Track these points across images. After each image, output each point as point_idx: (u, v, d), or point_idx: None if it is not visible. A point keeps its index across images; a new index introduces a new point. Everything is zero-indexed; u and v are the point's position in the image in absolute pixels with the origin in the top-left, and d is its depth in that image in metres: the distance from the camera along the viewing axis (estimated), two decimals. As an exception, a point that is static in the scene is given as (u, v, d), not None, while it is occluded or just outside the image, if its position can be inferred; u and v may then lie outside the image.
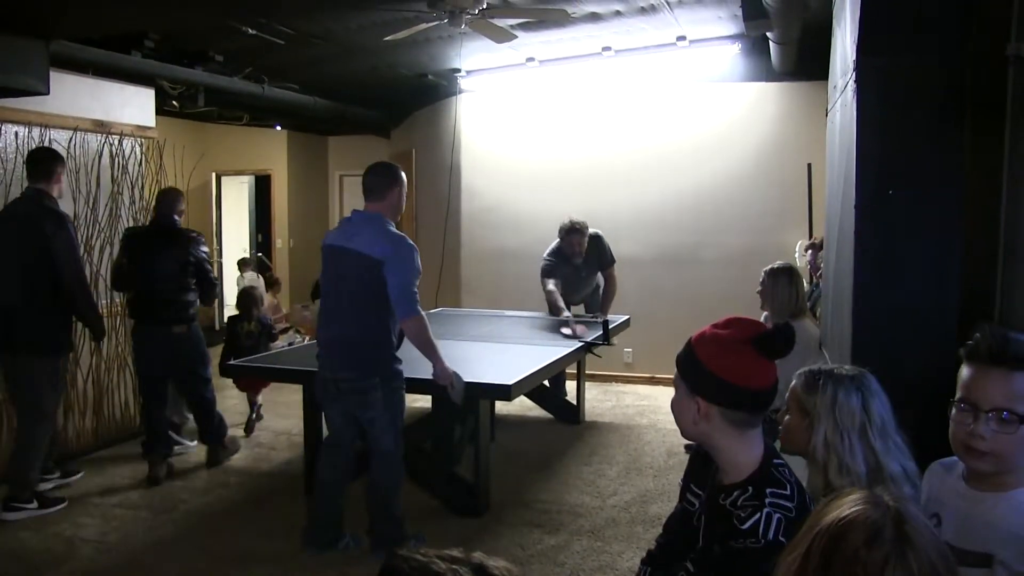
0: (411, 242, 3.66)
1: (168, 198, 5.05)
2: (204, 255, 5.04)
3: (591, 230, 5.83)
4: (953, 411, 1.58)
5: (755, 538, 1.52)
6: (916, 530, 1.02)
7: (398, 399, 3.75)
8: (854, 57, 2.46)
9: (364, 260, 3.57)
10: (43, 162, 4.40)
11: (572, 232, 5.69)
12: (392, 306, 3.59)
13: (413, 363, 3.79)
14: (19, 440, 4.38)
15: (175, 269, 4.87)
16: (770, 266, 4.09)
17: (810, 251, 5.67)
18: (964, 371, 1.58)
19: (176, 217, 4.99)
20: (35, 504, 4.33)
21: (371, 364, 3.65)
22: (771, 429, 1.84)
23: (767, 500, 1.57)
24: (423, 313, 3.63)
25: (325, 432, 4.03)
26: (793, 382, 1.96)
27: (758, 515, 1.54)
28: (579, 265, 5.89)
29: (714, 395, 1.64)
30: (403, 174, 3.81)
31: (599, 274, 6.14)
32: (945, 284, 2.38)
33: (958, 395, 1.58)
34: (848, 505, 1.07)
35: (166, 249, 4.88)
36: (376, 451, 3.76)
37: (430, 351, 3.71)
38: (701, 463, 1.79)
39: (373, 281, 3.57)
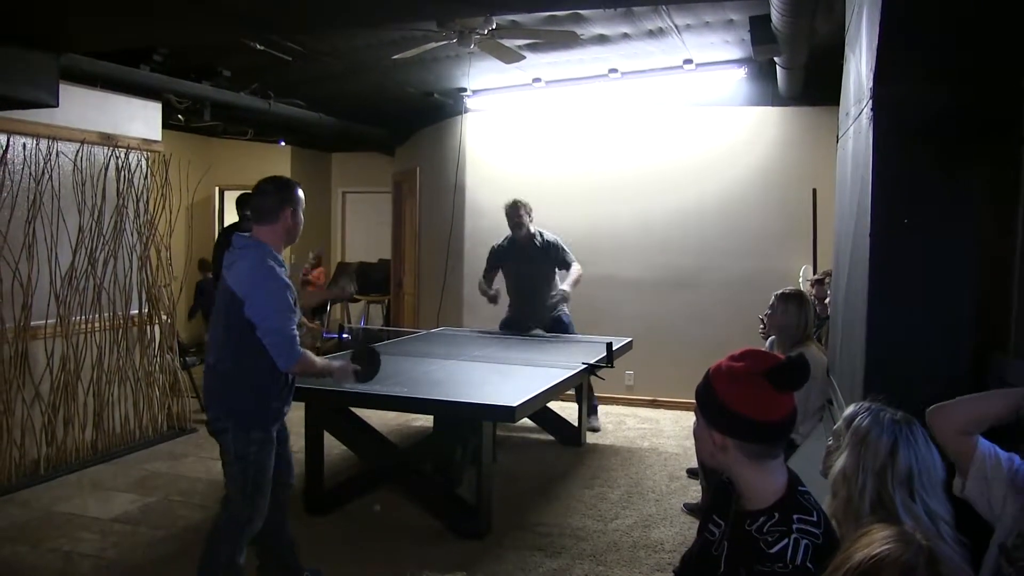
0: (282, 277, 3.15)
1: None
2: None
3: (551, 235, 6.36)
4: None
5: (783, 563, 1.53)
6: (950, 572, 1.01)
7: (254, 452, 3.18)
8: (870, 85, 2.45)
9: (229, 294, 3.15)
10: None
11: (513, 207, 6.29)
12: (268, 352, 3.11)
13: (414, 383, 3.74)
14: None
15: None
16: (780, 290, 4.10)
17: (816, 286, 5.62)
18: None
19: None
20: None
21: (226, 405, 3.21)
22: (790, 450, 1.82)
23: (794, 526, 1.58)
24: (303, 351, 3.16)
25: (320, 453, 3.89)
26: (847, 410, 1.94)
27: (786, 540, 1.56)
28: (532, 256, 6.29)
29: (729, 429, 1.64)
30: (299, 190, 3.28)
31: (556, 277, 6.36)
32: (959, 314, 2.36)
33: None
34: (879, 543, 1.05)
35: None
36: (224, 497, 3.31)
37: (322, 373, 3.38)
38: (722, 495, 1.78)
39: (235, 317, 3.12)
